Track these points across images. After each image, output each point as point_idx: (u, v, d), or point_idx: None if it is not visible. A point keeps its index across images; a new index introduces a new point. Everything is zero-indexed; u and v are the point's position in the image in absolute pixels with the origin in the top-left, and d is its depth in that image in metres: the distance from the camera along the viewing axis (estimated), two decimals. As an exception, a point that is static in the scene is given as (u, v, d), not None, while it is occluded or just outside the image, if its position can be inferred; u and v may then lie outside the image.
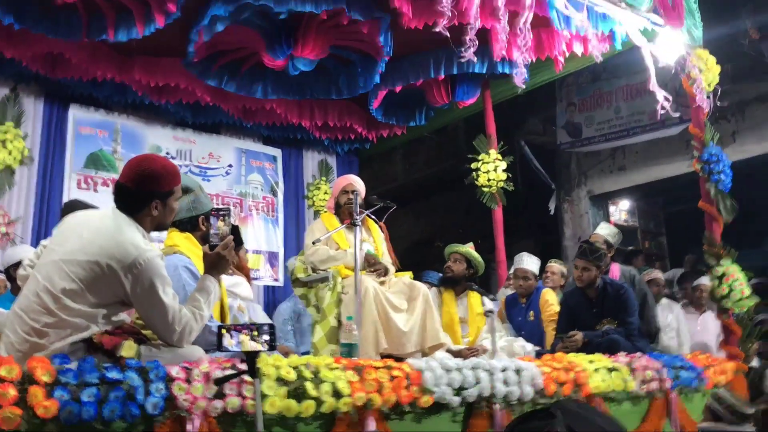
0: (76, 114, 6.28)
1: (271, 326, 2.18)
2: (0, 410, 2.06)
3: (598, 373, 3.81)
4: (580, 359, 3.87)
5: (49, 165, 6.06)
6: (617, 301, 4.68)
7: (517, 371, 3.46)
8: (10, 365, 2.15)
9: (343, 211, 4.51)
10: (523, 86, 4.84)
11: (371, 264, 4.39)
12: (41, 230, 5.85)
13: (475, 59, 4.15)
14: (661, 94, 4.73)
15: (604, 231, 5.65)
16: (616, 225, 9.03)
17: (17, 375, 2.15)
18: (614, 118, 9.01)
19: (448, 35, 3.80)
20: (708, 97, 5.06)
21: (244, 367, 2.21)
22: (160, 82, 5.63)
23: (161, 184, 2.58)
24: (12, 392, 2.10)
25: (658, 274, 6.65)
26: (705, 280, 6.61)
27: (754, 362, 5.69)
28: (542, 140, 9.90)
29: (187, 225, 3.12)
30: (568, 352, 4.21)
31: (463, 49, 3.85)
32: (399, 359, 3.47)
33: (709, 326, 6.28)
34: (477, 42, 3.86)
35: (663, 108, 4.74)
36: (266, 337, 2.16)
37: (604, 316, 4.68)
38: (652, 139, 8.69)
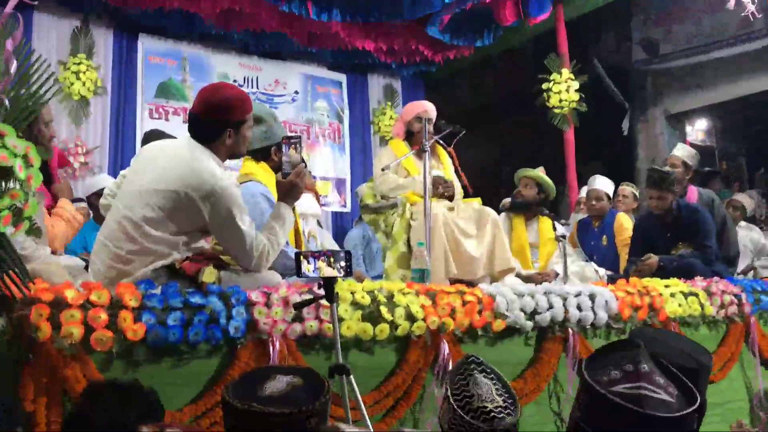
0: (145, 44, 6.36)
1: (348, 253, 2.20)
2: (93, 333, 2.17)
3: (675, 297, 3.74)
4: (656, 284, 3.80)
5: (121, 95, 6.20)
6: (693, 223, 4.52)
7: (591, 296, 3.43)
8: (100, 291, 2.25)
9: (416, 138, 4.44)
10: None
11: (440, 186, 4.35)
12: (117, 159, 6.04)
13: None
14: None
15: (682, 152, 5.43)
16: (693, 145, 8.69)
17: (107, 300, 2.25)
18: (694, 32, 8.51)
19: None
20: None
21: (321, 292, 2.25)
22: (226, 7, 5.60)
23: (233, 113, 2.59)
24: (103, 316, 2.20)
25: (739, 196, 6.39)
26: None
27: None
28: (616, 58, 9.48)
29: (260, 154, 3.15)
30: (642, 276, 4.13)
31: None
32: (469, 284, 3.49)
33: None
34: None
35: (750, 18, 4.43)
36: (342, 263, 2.18)
37: (679, 240, 4.54)
38: (735, 53, 8.19)
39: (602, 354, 1.43)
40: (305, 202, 4.54)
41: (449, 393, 1.81)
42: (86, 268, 2.91)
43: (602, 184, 5.43)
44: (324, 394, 1.57)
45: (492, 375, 1.81)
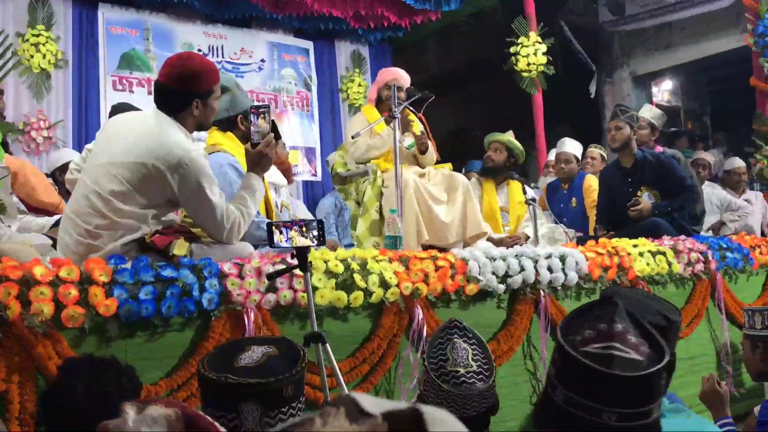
0: (105, 13, 6.18)
1: (320, 222, 2.19)
2: (65, 310, 2.15)
3: (643, 257, 3.81)
4: (624, 244, 3.86)
5: (83, 67, 6.04)
6: (660, 169, 4.57)
7: (561, 258, 3.48)
8: (69, 267, 2.22)
9: (385, 105, 4.42)
10: None
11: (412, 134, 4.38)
12: (82, 133, 5.90)
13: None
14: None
15: (648, 113, 5.50)
16: (659, 106, 8.78)
17: (76, 276, 2.22)
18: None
19: None
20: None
21: (294, 261, 2.24)
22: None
23: (200, 83, 2.55)
24: (74, 292, 2.17)
25: (704, 155, 6.49)
26: (738, 162, 6.46)
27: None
28: (583, 20, 9.48)
29: (226, 124, 3.11)
30: (639, 219, 4.31)
31: None
32: (441, 250, 3.51)
33: (752, 209, 6.19)
34: None
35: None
36: (315, 233, 2.18)
37: (642, 184, 4.59)
38: (701, 13, 8.24)
39: (580, 313, 1.46)
40: (274, 174, 4.49)
41: (425, 355, 1.83)
42: (54, 246, 2.87)
43: (571, 146, 5.48)
44: (299, 363, 1.57)
45: (473, 340, 1.84)
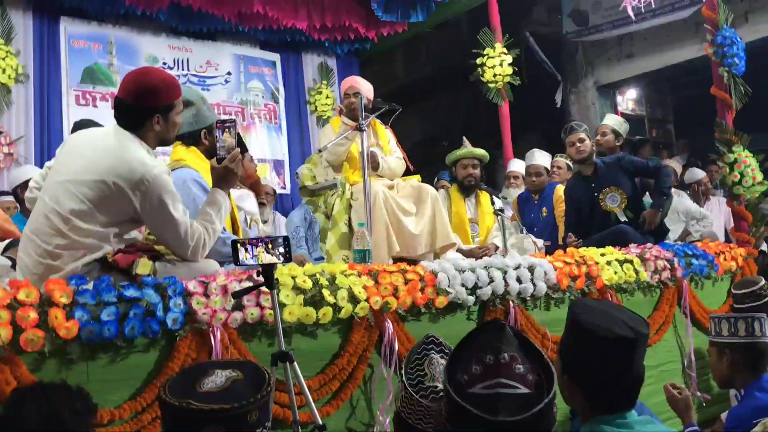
0: (67, 27, 6.09)
1: (286, 238, 2.16)
2: (23, 333, 2.08)
3: (611, 266, 3.83)
4: (592, 253, 3.89)
5: (45, 82, 5.92)
6: (620, 165, 4.76)
7: (530, 268, 3.48)
8: (28, 288, 2.16)
9: (351, 115, 4.36)
10: None
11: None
12: (44, 149, 5.79)
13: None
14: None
15: (612, 121, 5.56)
16: (624, 115, 8.91)
17: (36, 298, 2.16)
18: (621, 2, 8.68)
19: None
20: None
21: (260, 279, 2.21)
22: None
23: (161, 98, 2.50)
24: (33, 315, 2.11)
25: (669, 162, 6.59)
26: (699, 174, 6.60)
27: (764, 247, 5.72)
28: (548, 30, 9.59)
29: (190, 139, 3.06)
30: (652, 227, 4.54)
31: None
32: (411, 261, 3.49)
33: (714, 215, 6.31)
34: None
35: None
36: (281, 249, 2.14)
37: (604, 187, 4.75)
38: (662, 23, 8.39)
39: (467, 342, 1.44)
40: (244, 200, 4.43)
41: (402, 371, 1.81)
42: (14, 266, 2.79)
43: (541, 158, 5.51)
44: (265, 387, 1.54)
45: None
